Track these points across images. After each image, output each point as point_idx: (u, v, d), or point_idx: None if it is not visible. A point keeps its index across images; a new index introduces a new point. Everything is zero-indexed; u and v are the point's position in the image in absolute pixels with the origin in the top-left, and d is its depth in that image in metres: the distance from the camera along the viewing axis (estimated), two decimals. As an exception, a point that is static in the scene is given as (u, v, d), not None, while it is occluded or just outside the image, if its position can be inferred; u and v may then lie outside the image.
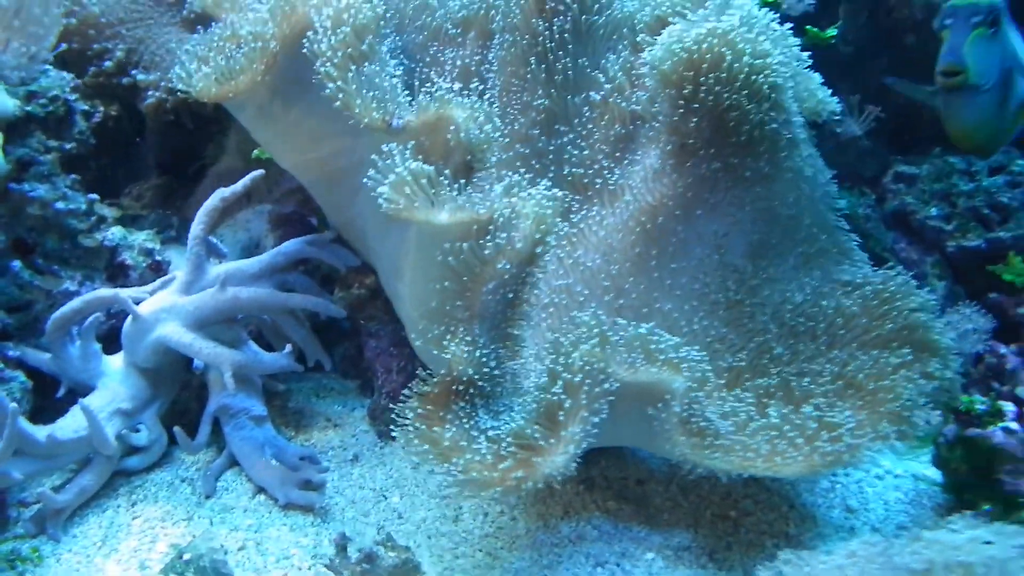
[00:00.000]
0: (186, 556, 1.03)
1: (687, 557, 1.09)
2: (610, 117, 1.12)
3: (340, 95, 0.98)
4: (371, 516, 1.18)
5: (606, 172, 1.12)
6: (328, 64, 0.99)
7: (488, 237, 0.92)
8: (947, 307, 1.32)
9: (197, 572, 1.03)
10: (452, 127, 0.98)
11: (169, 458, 1.26)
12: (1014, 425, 1.16)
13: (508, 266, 0.92)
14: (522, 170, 1.10)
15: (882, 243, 1.36)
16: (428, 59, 1.25)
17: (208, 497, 1.20)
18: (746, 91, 0.98)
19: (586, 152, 1.13)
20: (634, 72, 1.12)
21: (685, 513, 1.16)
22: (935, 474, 1.20)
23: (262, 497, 1.20)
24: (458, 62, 1.24)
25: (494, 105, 1.16)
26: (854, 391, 0.98)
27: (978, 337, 1.28)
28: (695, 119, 1.01)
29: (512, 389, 0.94)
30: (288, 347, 1.22)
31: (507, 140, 1.15)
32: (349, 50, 0.98)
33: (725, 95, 0.98)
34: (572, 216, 1.12)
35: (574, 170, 1.13)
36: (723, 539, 1.13)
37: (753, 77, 0.98)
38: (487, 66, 1.21)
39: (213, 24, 1.14)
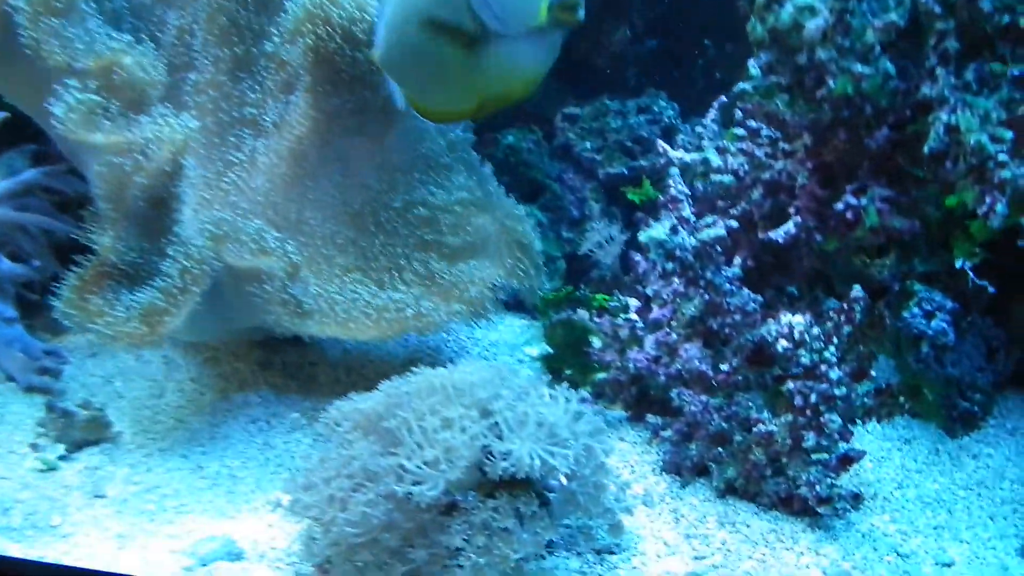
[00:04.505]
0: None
1: (328, 417, 1.45)
2: (276, 66, 1.47)
3: (31, 42, 1.32)
4: (98, 396, 1.52)
5: (272, 111, 1.47)
6: (24, 16, 1.33)
7: (130, 156, 1.27)
8: (598, 223, 1.67)
9: (-57, 429, 1.38)
10: (120, 70, 1.32)
11: (-65, 346, 1.59)
12: (633, 316, 1.51)
13: (144, 180, 1.26)
14: (211, 114, 1.46)
15: (544, 172, 1.72)
16: (155, 19, 1.60)
17: (-36, 380, 1.54)
18: (348, 40, 1.33)
19: (260, 95, 1.49)
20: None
21: (342, 387, 1.49)
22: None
23: (12, 384, 1.54)
24: (176, 22, 1.58)
25: (196, 56, 1.52)
26: (439, 281, 1.34)
27: (616, 246, 1.62)
28: (319, 64, 1.36)
29: (155, 274, 1.29)
30: (35, 262, 1.58)
31: (202, 85, 1.51)
32: (40, 7, 1.32)
33: (334, 44, 1.33)
34: (246, 148, 1.47)
35: (251, 110, 1.49)
36: (367, 408, 1.48)
37: (352, 27, 1.33)
38: (196, 24, 1.56)
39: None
